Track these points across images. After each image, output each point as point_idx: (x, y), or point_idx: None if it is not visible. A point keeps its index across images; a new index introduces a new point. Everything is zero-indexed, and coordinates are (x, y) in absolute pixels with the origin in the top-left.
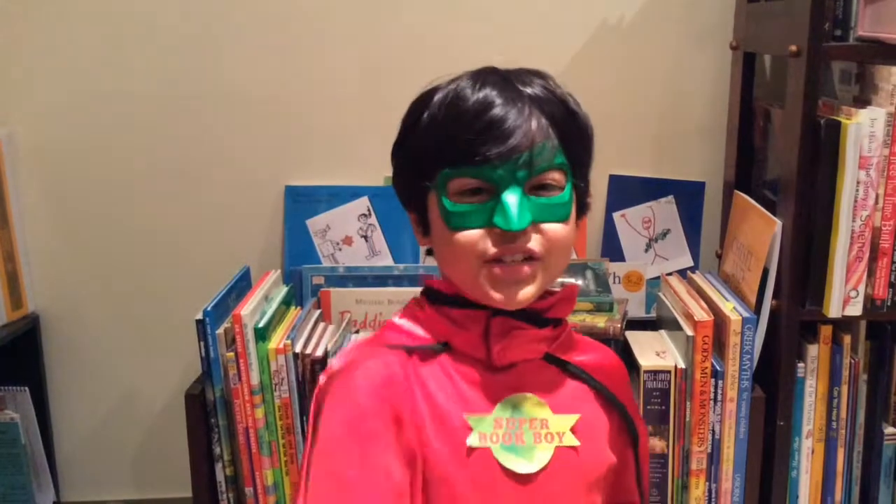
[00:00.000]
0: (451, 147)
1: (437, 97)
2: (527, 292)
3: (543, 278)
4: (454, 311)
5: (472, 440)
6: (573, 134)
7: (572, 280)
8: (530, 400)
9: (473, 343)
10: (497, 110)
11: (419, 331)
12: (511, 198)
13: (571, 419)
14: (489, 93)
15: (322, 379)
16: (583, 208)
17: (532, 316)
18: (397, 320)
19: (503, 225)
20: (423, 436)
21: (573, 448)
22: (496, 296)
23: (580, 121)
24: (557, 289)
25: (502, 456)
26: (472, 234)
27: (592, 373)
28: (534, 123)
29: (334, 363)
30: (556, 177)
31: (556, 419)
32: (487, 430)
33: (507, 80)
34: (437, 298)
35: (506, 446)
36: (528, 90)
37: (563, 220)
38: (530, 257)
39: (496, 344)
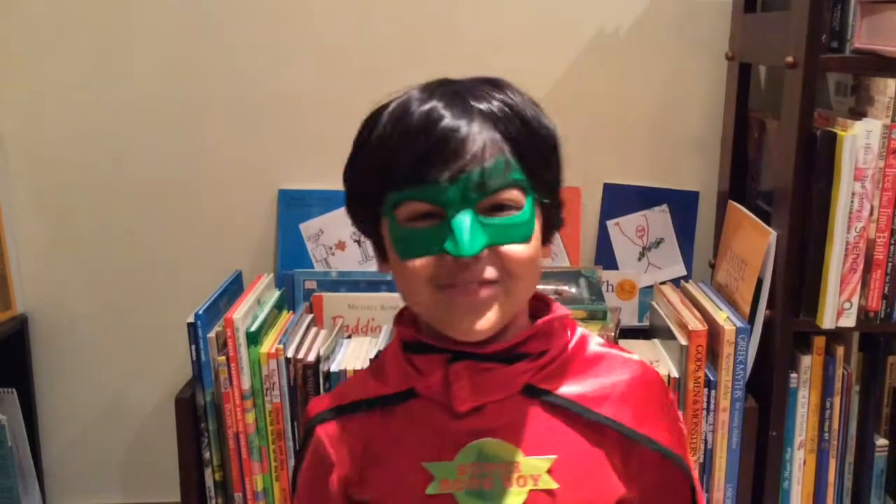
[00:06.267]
0: (396, 168)
1: (385, 113)
2: (487, 321)
3: (506, 304)
4: (415, 358)
5: (433, 488)
6: (531, 148)
7: (566, 287)
8: (497, 444)
9: (435, 389)
10: (444, 126)
11: (386, 379)
12: (461, 221)
13: (547, 461)
14: (436, 106)
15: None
16: (553, 224)
17: (499, 355)
18: (368, 367)
19: (453, 251)
20: (379, 488)
21: (551, 491)
22: (454, 326)
23: (539, 133)
24: (553, 310)
25: (467, 502)
26: (423, 262)
27: (592, 403)
28: (485, 140)
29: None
30: (513, 195)
31: (529, 461)
32: (450, 476)
33: (457, 94)
34: (403, 344)
35: (471, 492)
36: (482, 105)
37: (523, 240)
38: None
39: (456, 390)
